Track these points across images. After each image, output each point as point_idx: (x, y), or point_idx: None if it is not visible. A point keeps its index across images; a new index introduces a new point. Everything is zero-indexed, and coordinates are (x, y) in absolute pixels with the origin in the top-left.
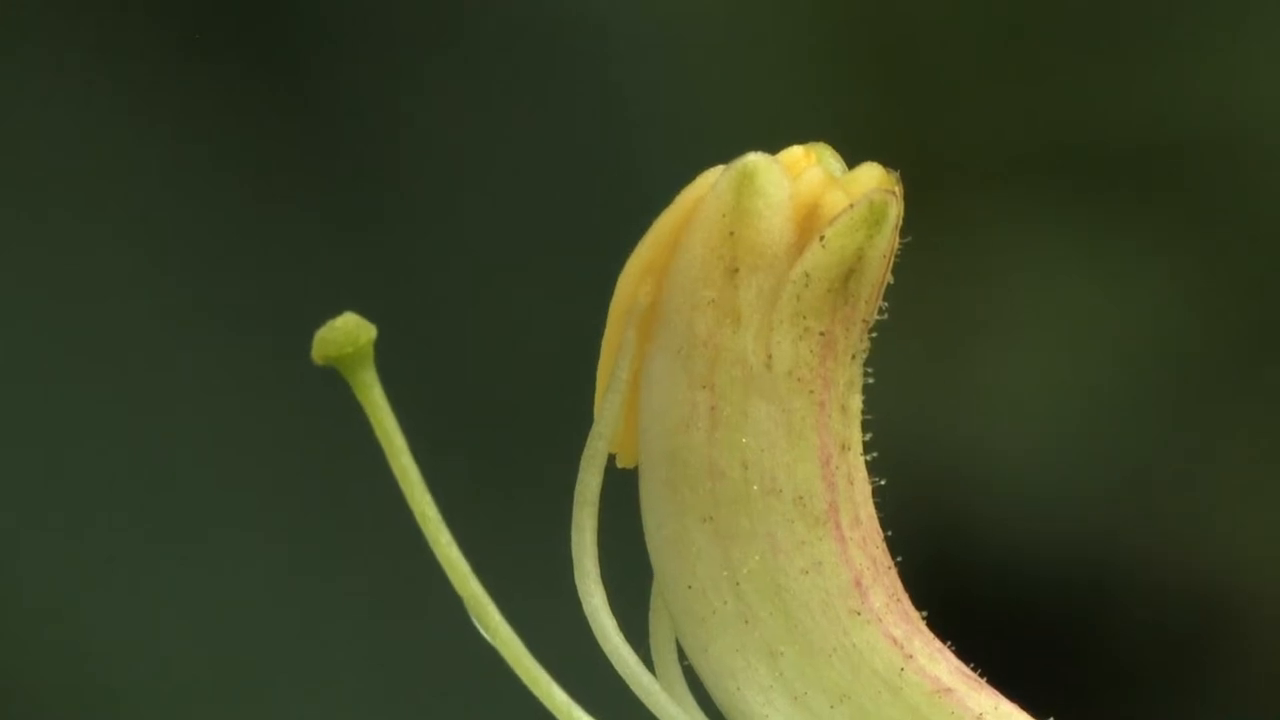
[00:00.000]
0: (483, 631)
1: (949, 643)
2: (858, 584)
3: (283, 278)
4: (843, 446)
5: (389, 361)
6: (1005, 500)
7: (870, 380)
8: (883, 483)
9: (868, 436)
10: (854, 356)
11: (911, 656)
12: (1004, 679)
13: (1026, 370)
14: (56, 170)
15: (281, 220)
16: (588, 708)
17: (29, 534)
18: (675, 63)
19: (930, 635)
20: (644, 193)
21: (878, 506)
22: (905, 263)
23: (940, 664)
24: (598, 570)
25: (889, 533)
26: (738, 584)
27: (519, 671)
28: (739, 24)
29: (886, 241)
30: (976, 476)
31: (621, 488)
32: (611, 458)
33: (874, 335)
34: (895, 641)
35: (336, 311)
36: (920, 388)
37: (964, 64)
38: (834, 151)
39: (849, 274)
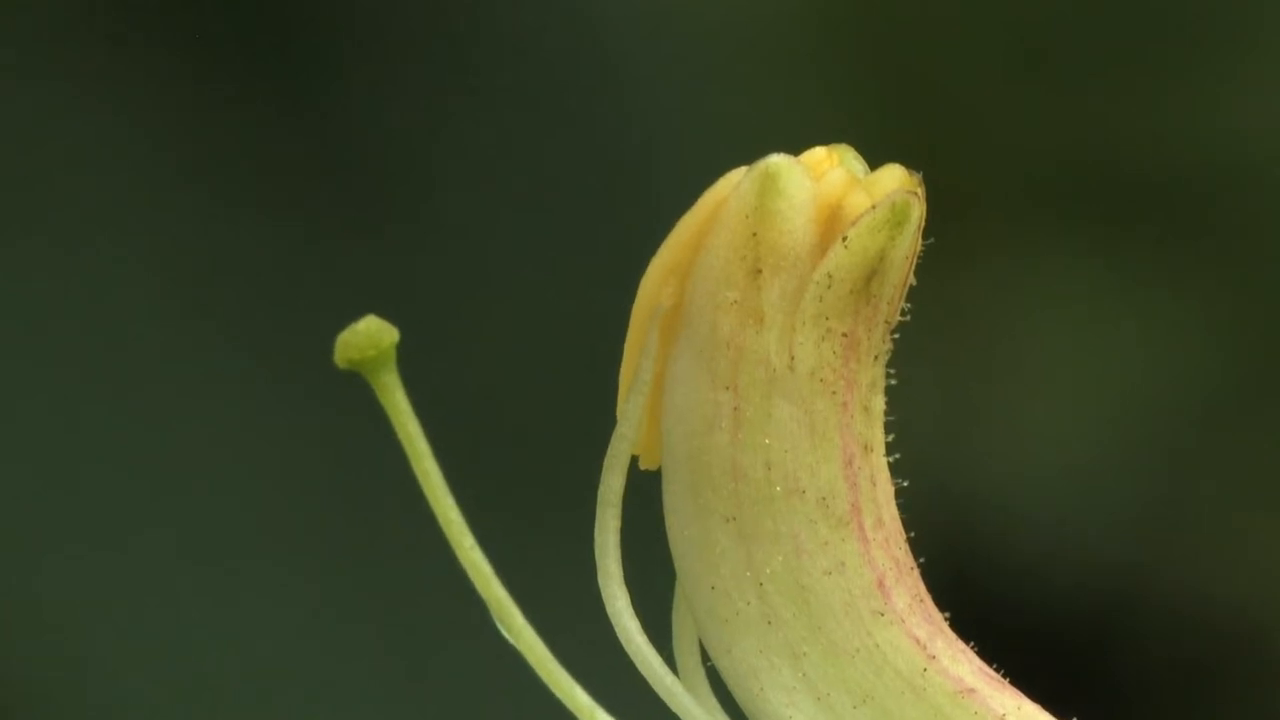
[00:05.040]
0: (506, 635)
1: (971, 644)
2: (881, 585)
3: (299, 289)
4: (865, 447)
5: (408, 368)
6: (1023, 527)
7: (892, 382)
8: (905, 484)
9: (890, 438)
10: (876, 358)
11: (934, 657)
12: None
13: (1046, 398)
14: (67, 183)
15: (300, 234)
16: (611, 710)
17: (50, 557)
18: (689, 80)
19: (953, 636)
20: (664, 197)
21: (900, 508)
22: (923, 290)
23: (963, 665)
24: (621, 572)
25: (911, 534)
26: (761, 585)
27: (542, 674)
28: (752, 45)
29: (909, 242)
30: (993, 502)
31: (644, 489)
32: (634, 460)
33: (896, 337)
34: (918, 642)
35: (356, 319)
36: (937, 416)
37: (982, 92)
38: (856, 153)
39: (871, 275)
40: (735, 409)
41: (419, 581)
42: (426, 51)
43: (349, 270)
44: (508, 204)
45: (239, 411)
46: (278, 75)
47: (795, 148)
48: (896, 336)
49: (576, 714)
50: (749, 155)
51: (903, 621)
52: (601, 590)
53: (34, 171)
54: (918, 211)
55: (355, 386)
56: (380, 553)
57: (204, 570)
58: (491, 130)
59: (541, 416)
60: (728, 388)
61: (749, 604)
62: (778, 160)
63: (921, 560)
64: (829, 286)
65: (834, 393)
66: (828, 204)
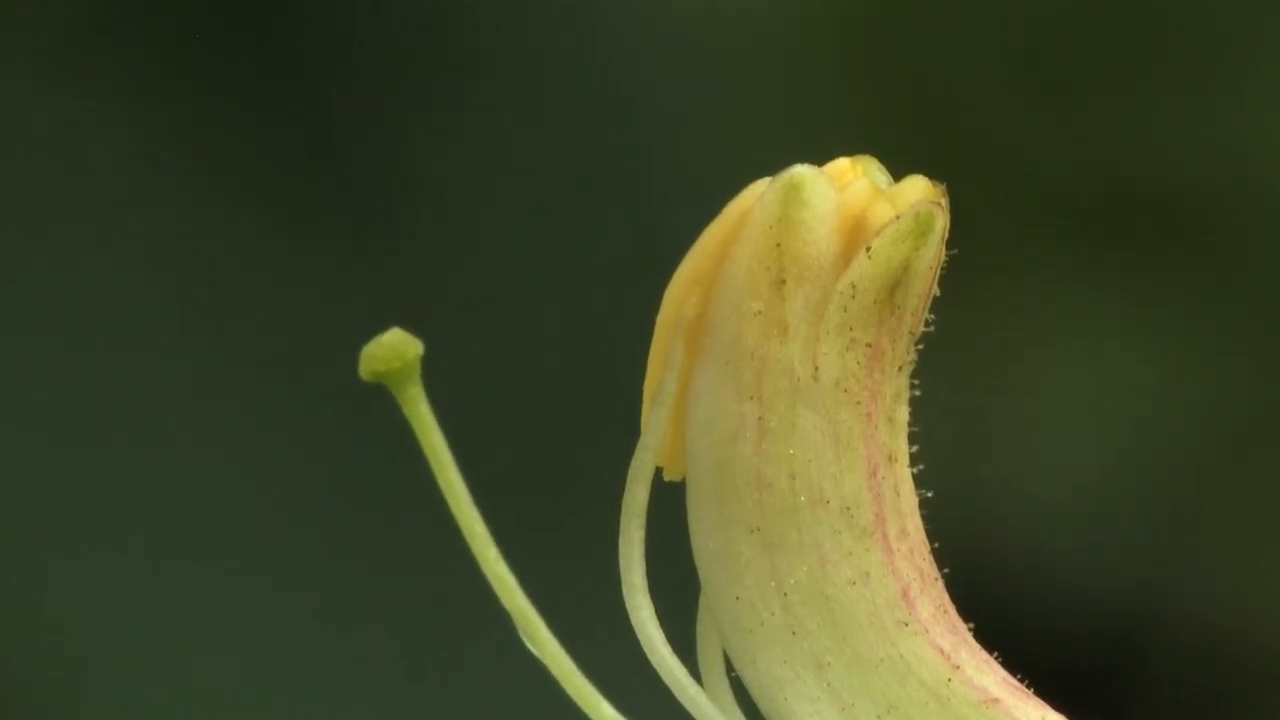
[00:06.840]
0: (530, 647)
1: (995, 654)
2: (905, 595)
3: (298, 291)
4: (889, 458)
5: (429, 381)
6: (1041, 542)
7: (916, 393)
8: (930, 494)
9: (914, 448)
10: (900, 368)
11: (959, 667)
12: None
13: (1059, 416)
14: (67, 185)
15: (299, 237)
16: None
17: (50, 557)
18: (689, 80)
19: (977, 646)
20: (665, 198)
21: (924, 519)
22: (937, 311)
23: (987, 675)
24: (645, 583)
25: (935, 545)
26: (785, 595)
27: (567, 686)
28: (753, 45)
29: (933, 253)
30: (1011, 517)
31: (668, 500)
32: (658, 470)
33: (920, 348)
34: (942, 652)
35: (376, 333)
36: (955, 431)
37: (984, 94)
38: (879, 164)
39: (895, 285)
40: (760, 419)
41: (420, 582)
42: (427, 52)
43: (348, 273)
44: (507, 205)
45: (238, 412)
46: (278, 76)
47: (795, 148)
48: (920, 348)
49: None
50: (749, 156)
51: (927, 632)
52: (626, 601)
53: (33, 173)
54: (941, 222)
55: (355, 388)
56: (381, 553)
57: (204, 570)
58: (491, 131)
59: (563, 430)
60: (752, 398)
61: (773, 614)
62: (802, 171)
63: (946, 570)
64: (853, 297)
65: (858, 403)
66: (852, 214)
